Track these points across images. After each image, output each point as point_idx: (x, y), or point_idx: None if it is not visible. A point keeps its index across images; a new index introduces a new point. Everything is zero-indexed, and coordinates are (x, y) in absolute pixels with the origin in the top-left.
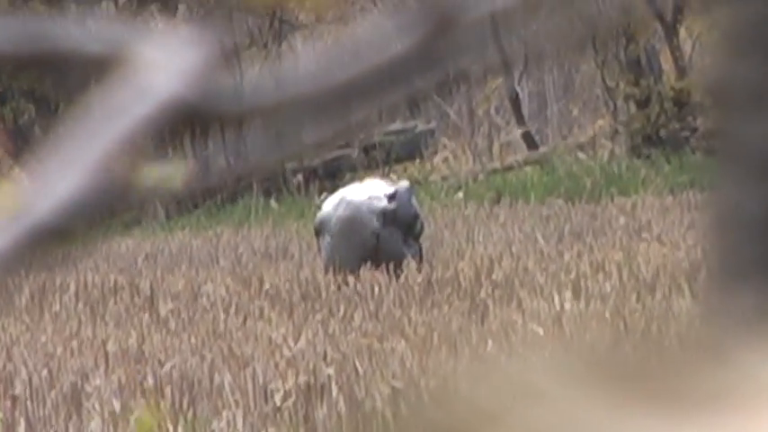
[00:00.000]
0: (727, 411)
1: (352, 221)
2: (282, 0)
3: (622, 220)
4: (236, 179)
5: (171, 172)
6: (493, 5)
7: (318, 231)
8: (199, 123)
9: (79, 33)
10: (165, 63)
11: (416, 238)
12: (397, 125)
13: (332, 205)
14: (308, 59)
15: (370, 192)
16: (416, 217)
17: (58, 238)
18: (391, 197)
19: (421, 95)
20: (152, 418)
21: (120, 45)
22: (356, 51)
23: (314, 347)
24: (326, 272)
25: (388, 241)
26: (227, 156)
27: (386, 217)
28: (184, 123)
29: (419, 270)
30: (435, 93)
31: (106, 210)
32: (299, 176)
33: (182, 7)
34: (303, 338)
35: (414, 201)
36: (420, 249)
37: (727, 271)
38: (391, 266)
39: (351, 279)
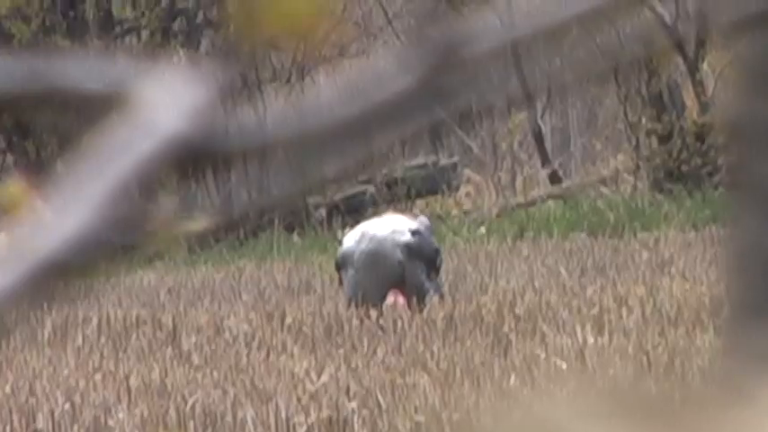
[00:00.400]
0: None
1: (377, 255)
2: (307, 34)
3: (645, 254)
4: (258, 212)
5: (191, 220)
6: (504, 38)
7: (340, 266)
8: (202, 161)
9: (81, 72)
10: (167, 101)
11: (437, 272)
12: (419, 160)
13: (353, 240)
14: (315, 97)
15: (392, 226)
16: (437, 252)
17: (65, 274)
18: (414, 232)
19: (437, 128)
20: None
21: (122, 83)
22: (362, 88)
23: (337, 382)
24: (349, 306)
25: (412, 274)
26: (249, 189)
27: (410, 250)
28: (188, 161)
29: (442, 305)
30: (452, 125)
31: (113, 246)
32: (322, 211)
33: (204, 41)
34: (326, 373)
35: (432, 236)
36: (439, 284)
37: (746, 307)
38: (414, 300)
39: (373, 313)
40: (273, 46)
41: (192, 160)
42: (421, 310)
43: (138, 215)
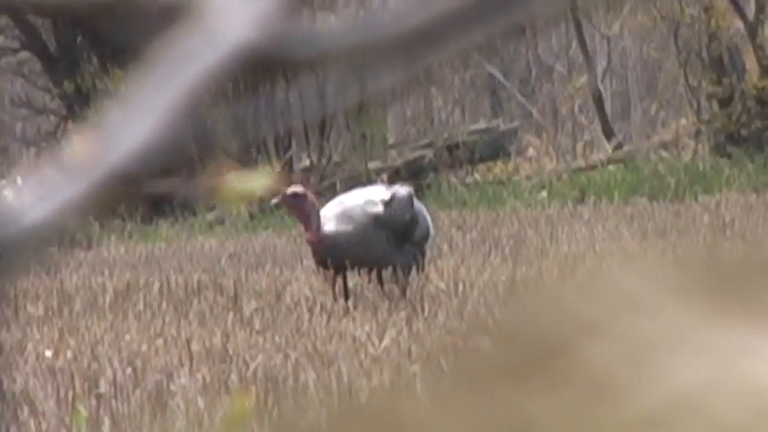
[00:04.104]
0: None
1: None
2: None
3: (706, 218)
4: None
5: (256, 179)
6: None
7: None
8: (271, 69)
9: None
10: (236, 9)
11: (417, 244)
12: (480, 124)
13: (329, 208)
14: (383, 5)
15: (367, 196)
16: (410, 223)
17: (132, 184)
18: (387, 203)
19: (492, 43)
20: (239, 414)
21: None
22: None
23: (398, 345)
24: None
25: (376, 245)
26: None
27: (377, 221)
28: (256, 70)
29: (504, 269)
30: (506, 40)
31: (179, 157)
32: (383, 176)
33: None
34: (387, 337)
35: (415, 206)
36: (416, 256)
37: None
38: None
39: (434, 276)
40: None
41: (260, 69)
42: (381, 285)
43: (203, 128)
